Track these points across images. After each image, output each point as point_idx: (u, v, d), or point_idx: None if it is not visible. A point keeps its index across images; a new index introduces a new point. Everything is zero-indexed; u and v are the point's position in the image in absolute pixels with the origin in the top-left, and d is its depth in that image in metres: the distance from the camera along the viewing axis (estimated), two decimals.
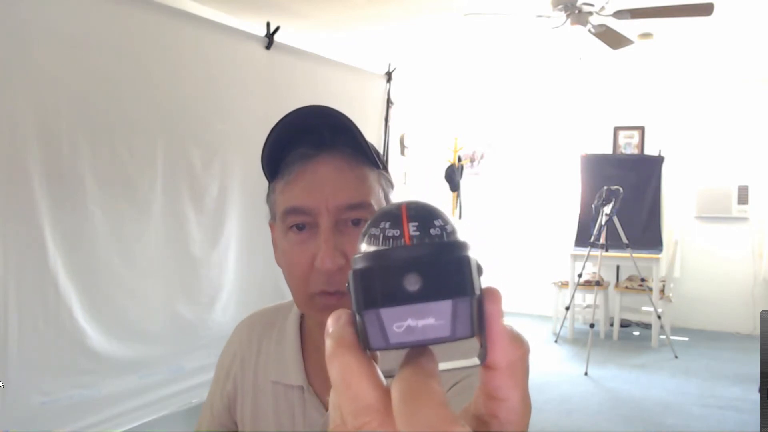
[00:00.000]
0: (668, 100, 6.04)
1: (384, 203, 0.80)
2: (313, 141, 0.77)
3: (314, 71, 2.98)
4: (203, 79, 2.47)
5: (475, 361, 0.28)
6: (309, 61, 2.97)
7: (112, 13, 2.10)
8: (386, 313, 0.26)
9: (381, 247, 0.27)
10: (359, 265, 0.27)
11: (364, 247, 0.28)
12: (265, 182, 0.83)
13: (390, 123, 3.54)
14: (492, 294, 0.27)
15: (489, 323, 0.27)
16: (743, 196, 5.79)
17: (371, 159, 0.79)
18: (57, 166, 1.96)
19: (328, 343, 0.27)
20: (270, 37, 2.67)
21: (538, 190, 6.55)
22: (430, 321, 0.26)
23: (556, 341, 5.47)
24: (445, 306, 0.26)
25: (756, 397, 1.35)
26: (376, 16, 4.04)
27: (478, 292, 0.27)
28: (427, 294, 0.26)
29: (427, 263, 0.26)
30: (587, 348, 4.57)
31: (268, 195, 0.83)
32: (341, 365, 0.26)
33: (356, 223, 0.75)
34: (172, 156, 2.34)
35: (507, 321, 0.27)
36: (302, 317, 0.90)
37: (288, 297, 0.85)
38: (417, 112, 5.98)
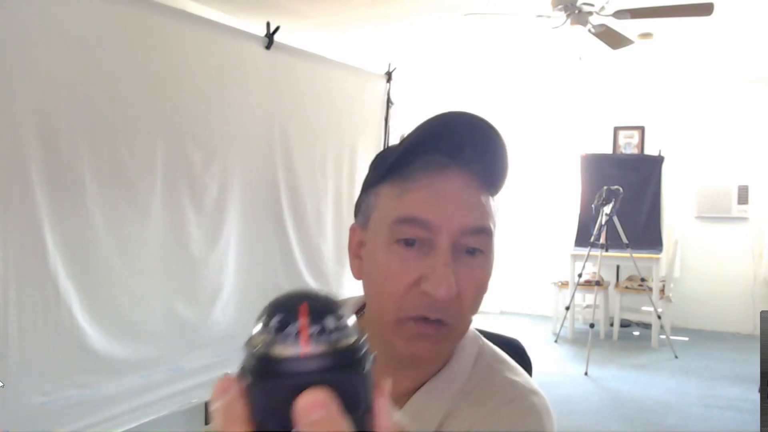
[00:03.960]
0: (668, 100, 6.04)
1: (493, 234, 0.72)
2: (447, 149, 0.69)
3: (314, 71, 2.98)
4: (203, 79, 2.46)
5: None
6: (309, 61, 2.97)
7: (113, 14, 2.10)
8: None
9: (280, 354, 0.27)
10: (266, 371, 0.27)
11: (263, 338, 0.28)
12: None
13: (390, 123, 3.54)
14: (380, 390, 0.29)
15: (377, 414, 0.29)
16: (743, 196, 5.80)
17: (502, 183, 0.71)
18: (57, 166, 1.96)
19: (217, 418, 0.26)
20: (270, 37, 2.67)
21: (538, 190, 6.55)
22: None
23: (556, 341, 5.47)
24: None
25: (756, 397, 1.36)
26: (376, 16, 4.04)
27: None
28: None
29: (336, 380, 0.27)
30: (587, 348, 4.57)
31: (366, 197, 0.74)
32: None
33: (471, 252, 0.68)
34: (172, 156, 2.34)
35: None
36: None
37: None
38: (417, 112, 5.96)
